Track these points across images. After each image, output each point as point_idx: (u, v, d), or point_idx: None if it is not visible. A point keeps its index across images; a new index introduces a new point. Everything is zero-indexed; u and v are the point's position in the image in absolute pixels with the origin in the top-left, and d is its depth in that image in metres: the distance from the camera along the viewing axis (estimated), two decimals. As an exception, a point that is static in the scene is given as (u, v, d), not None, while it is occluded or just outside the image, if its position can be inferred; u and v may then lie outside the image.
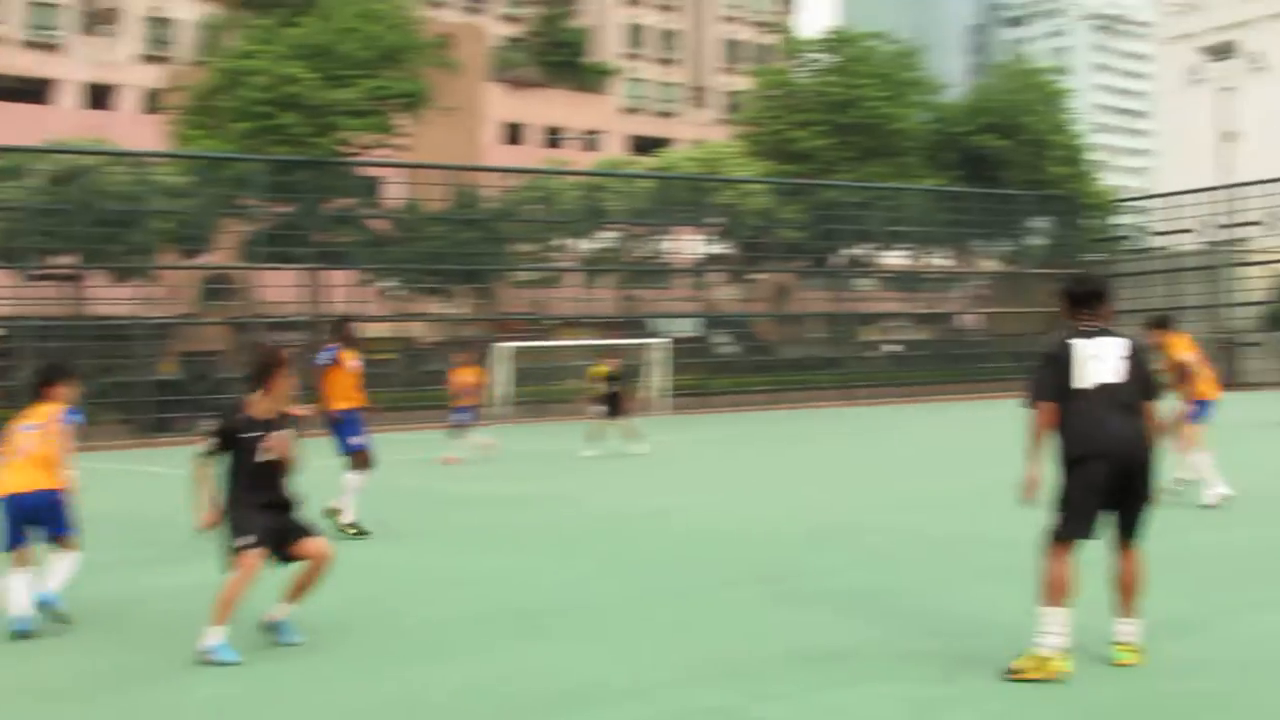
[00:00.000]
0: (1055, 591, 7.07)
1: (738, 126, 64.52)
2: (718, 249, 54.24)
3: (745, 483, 19.16)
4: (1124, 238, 61.06)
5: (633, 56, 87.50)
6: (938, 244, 57.69)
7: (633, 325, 48.65)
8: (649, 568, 11.34)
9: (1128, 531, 7.29)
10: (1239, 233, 54.98)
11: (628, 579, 10.76)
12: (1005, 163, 57.96)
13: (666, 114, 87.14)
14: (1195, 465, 14.88)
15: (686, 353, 50.22)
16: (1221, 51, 52.35)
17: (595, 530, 14.31)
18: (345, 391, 14.45)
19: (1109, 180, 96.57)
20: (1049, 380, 7.37)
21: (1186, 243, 57.08)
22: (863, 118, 55.04)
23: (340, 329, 15.07)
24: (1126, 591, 7.29)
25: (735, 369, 51.47)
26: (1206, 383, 15.51)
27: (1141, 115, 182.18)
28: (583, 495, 17.92)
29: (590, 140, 77.13)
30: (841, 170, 55.27)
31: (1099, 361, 7.29)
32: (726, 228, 51.89)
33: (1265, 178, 55.50)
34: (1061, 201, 58.86)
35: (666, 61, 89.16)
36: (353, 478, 14.38)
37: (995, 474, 18.22)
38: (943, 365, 55.30)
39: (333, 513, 14.18)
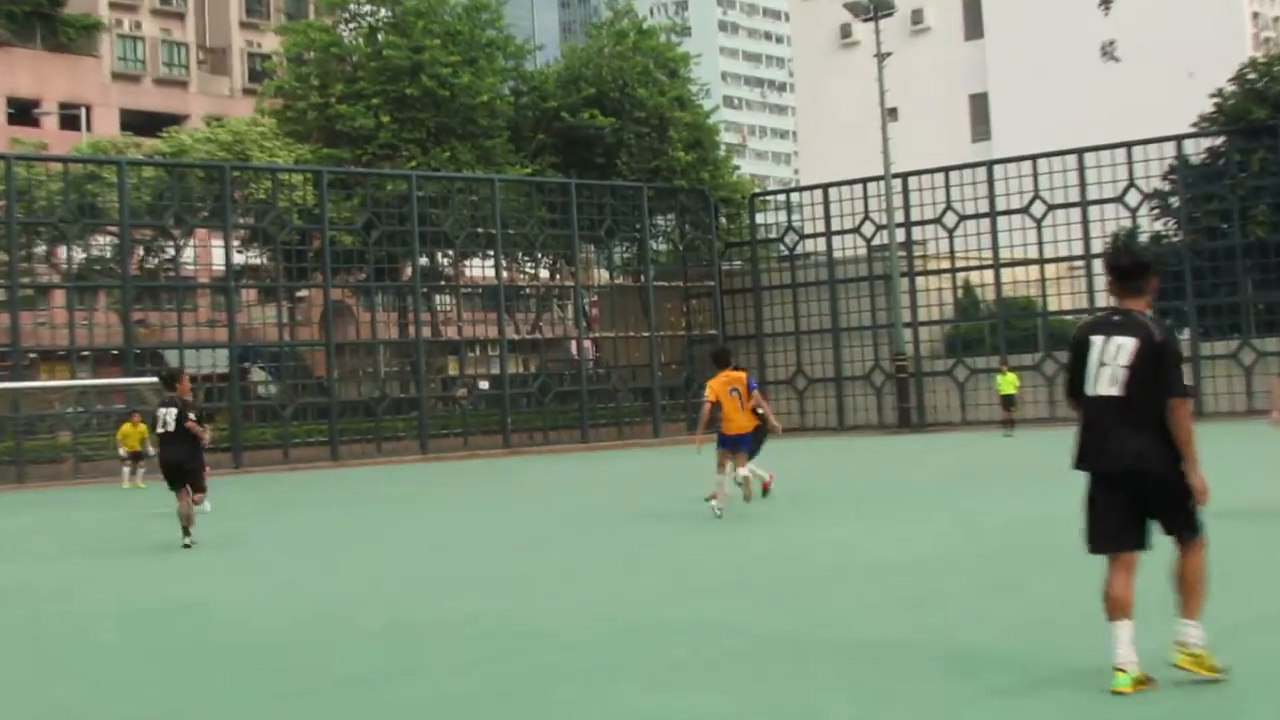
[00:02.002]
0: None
1: (267, 99, 64.98)
2: (249, 259, 54.64)
3: (300, 566, 19.63)
4: (769, 240, 64.05)
5: (126, 8, 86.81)
6: (537, 250, 59.49)
7: (142, 359, 48.60)
8: (171, 684, 11.21)
9: (1171, 534, 8.90)
10: (913, 233, 57.69)
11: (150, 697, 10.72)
12: (616, 146, 60.20)
13: (173, 82, 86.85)
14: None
15: (213, 394, 50.58)
16: (873, 10, 56.23)
17: (113, 632, 14.20)
18: None
19: (747, 169, 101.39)
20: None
21: (847, 247, 59.86)
22: (430, 89, 56.31)
23: None
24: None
25: (279, 415, 51.87)
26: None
27: (783, 88, 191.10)
28: (80, 588, 17.93)
29: (74, 116, 76.07)
30: (407, 156, 56.49)
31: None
32: (260, 231, 52.34)
33: (932, 166, 58.87)
34: (689, 195, 61.61)
35: (169, 15, 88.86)
36: None
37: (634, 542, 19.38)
38: (548, 405, 57.03)
39: None
